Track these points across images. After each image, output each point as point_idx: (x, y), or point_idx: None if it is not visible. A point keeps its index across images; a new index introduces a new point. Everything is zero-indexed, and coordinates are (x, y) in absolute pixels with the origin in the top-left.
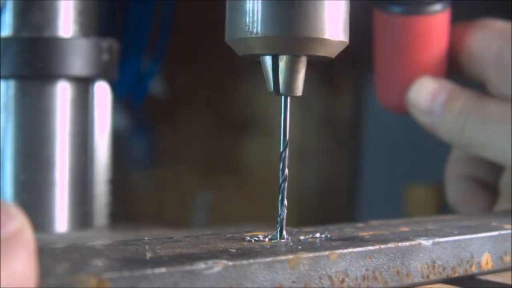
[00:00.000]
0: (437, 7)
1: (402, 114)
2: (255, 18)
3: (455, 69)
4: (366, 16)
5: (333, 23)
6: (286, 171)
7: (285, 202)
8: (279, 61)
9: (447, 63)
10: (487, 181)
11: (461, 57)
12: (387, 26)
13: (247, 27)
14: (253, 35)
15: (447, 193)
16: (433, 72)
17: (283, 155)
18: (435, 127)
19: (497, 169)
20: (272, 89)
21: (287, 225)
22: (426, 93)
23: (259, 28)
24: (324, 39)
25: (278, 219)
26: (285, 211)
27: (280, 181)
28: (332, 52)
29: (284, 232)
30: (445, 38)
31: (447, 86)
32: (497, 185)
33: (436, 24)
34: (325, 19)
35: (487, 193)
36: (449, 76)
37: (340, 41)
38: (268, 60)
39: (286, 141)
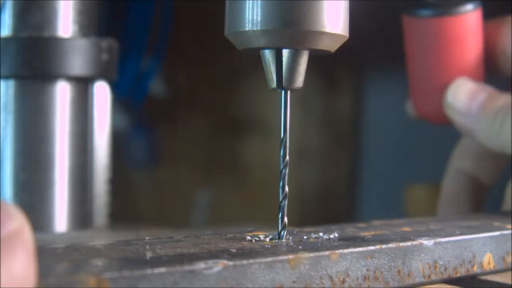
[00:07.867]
0: (469, 6)
1: (442, 125)
2: (255, 12)
3: (490, 68)
4: (367, 16)
5: (332, 17)
6: (287, 157)
7: (286, 189)
8: (279, 54)
9: (484, 64)
10: (484, 182)
11: (495, 56)
12: (419, 31)
13: (247, 21)
14: (253, 29)
15: (442, 184)
16: (471, 75)
17: (283, 140)
18: (472, 128)
19: (498, 172)
20: (272, 84)
21: (288, 224)
22: (463, 94)
23: (259, 21)
24: (324, 33)
25: (280, 207)
26: (287, 198)
27: (281, 167)
28: (332, 46)
29: (286, 220)
30: (479, 38)
31: (485, 88)
32: (489, 189)
33: (469, 24)
34: (324, 12)
35: (479, 195)
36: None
37: (339, 35)
38: (268, 54)
39: (287, 127)
